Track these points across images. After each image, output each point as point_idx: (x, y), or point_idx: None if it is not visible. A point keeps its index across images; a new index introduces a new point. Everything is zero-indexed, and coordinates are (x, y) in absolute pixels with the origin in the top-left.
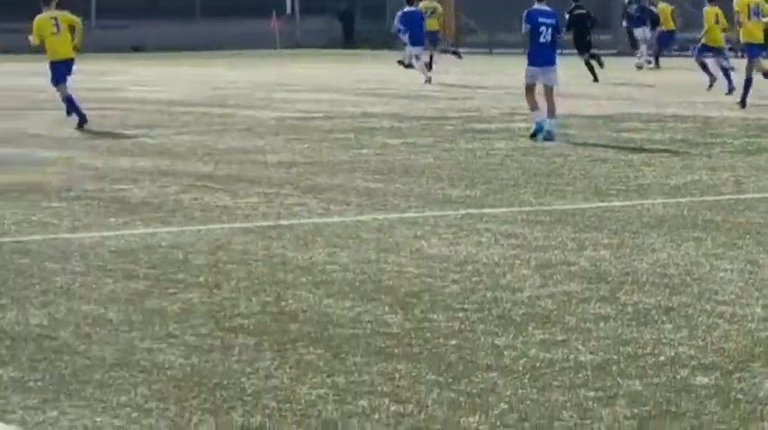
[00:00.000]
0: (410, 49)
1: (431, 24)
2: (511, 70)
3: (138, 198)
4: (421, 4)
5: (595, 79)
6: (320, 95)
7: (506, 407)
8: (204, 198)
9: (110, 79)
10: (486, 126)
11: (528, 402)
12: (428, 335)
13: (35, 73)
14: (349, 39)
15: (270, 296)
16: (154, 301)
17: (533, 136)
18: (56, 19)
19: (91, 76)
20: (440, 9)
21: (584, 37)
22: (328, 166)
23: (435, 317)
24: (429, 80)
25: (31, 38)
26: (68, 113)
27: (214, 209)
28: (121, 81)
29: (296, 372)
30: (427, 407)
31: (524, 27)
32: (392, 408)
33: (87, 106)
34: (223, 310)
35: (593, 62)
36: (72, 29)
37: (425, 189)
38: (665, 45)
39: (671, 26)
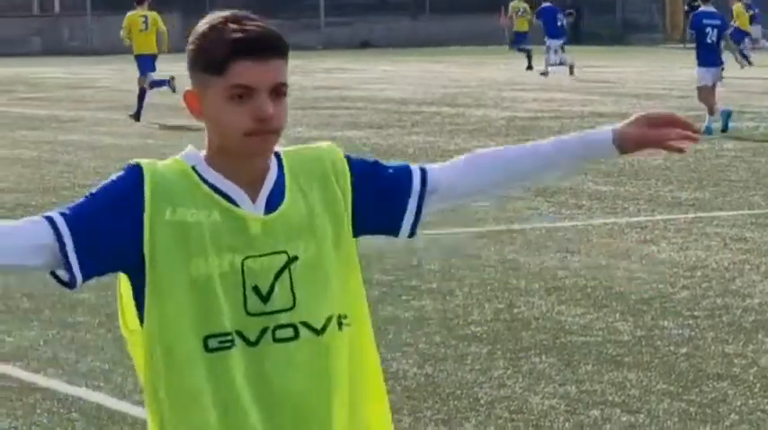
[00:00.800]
0: (549, 42)
1: (520, 24)
2: (737, 68)
3: None
4: (512, 4)
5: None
6: (549, 94)
7: (737, 417)
8: None
9: (339, 76)
10: (715, 125)
11: (759, 412)
12: (658, 343)
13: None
14: (577, 35)
15: (502, 303)
16: (388, 309)
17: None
18: (146, 17)
19: (320, 73)
20: (529, 9)
21: None
22: None
23: (665, 324)
24: (545, 74)
25: (122, 34)
26: (139, 100)
27: (448, 213)
28: (350, 79)
29: (528, 382)
30: (658, 417)
31: (689, 32)
32: (623, 419)
33: (317, 105)
34: (456, 318)
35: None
36: (158, 32)
37: (654, 191)
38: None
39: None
